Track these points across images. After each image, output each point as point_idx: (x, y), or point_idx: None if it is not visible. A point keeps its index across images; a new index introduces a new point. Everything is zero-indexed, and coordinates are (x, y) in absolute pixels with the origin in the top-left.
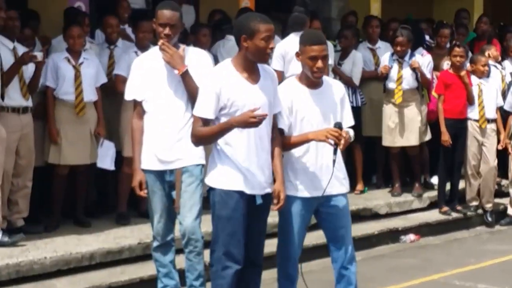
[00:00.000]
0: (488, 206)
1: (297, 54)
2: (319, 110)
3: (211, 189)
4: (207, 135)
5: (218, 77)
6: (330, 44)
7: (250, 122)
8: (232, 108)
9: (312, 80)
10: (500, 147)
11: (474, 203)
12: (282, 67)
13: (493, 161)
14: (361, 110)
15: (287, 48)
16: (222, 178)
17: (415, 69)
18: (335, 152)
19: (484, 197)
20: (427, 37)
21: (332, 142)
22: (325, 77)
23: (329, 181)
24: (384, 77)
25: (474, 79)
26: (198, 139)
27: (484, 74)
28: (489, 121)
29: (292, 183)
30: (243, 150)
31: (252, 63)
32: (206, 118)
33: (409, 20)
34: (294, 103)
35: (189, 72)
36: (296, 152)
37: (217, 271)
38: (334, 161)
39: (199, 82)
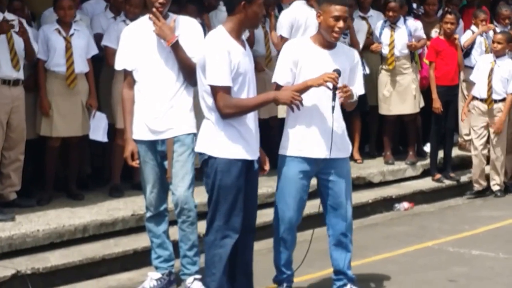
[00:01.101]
0: (497, 188)
1: (319, 14)
2: (327, 69)
3: (210, 158)
4: (248, 107)
5: (224, 44)
6: None
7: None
8: (236, 75)
9: (326, 42)
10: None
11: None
12: (290, 35)
13: (497, 142)
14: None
15: (296, 15)
16: (225, 147)
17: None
18: (333, 98)
19: (494, 179)
20: (414, 6)
21: (331, 86)
22: (339, 43)
23: (331, 136)
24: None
25: (488, 57)
26: (237, 111)
27: (499, 53)
28: (496, 101)
29: (293, 143)
30: (244, 117)
31: (242, 30)
32: (229, 86)
33: None
34: (301, 59)
35: (179, 43)
36: (297, 112)
37: (215, 240)
38: (333, 107)
39: (192, 51)
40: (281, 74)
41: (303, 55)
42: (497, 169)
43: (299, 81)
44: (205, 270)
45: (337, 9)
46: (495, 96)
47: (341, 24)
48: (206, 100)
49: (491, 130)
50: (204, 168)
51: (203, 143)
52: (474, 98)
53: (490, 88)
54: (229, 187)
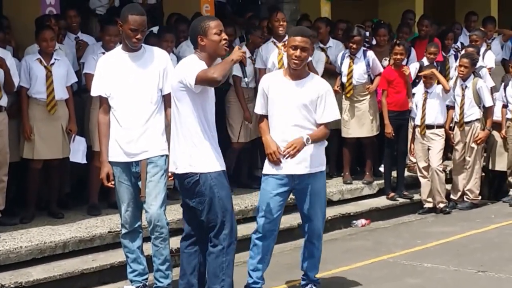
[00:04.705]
0: (442, 205)
1: (285, 46)
2: (293, 99)
3: (201, 175)
4: (224, 64)
5: (200, 64)
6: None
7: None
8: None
9: (294, 73)
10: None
11: (430, 199)
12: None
13: (436, 164)
14: None
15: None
16: (212, 162)
17: (369, 65)
18: (244, 75)
19: (436, 199)
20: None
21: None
22: (313, 74)
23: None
24: (339, 73)
25: (420, 88)
26: (220, 68)
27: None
28: (433, 126)
29: (267, 162)
30: (215, 135)
31: (211, 59)
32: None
33: (373, 22)
34: (270, 89)
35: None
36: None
37: (223, 248)
38: (246, 83)
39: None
40: (257, 105)
41: (271, 86)
42: (441, 189)
43: (270, 110)
44: (212, 279)
45: (295, 40)
46: (436, 121)
47: (297, 52)
48: (182, 120)
49: (430, 152)
50: (195, 188)
51: (188, 164)
52: (415, 125)
53: (423, 117)
54: (226, 197)
